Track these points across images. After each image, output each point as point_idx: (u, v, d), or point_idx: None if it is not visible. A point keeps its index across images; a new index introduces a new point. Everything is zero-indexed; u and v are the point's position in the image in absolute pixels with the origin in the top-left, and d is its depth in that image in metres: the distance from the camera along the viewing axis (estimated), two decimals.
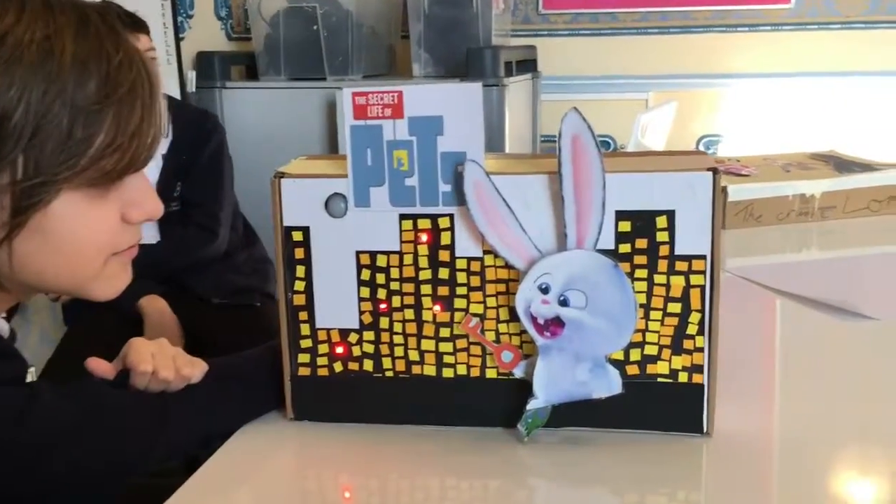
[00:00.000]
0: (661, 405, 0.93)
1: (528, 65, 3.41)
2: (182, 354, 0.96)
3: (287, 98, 3.09)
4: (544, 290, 0.90)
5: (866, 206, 1.96)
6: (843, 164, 2.05)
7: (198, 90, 3.06)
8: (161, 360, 0.94)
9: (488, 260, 0.93)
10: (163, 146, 2.10)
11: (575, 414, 0.93)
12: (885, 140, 3.41)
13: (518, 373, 0.94)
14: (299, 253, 0.93)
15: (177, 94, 2.91)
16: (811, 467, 0.90)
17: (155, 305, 1.99)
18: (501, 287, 0.93)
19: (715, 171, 0.87)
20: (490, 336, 0.94)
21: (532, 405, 0.93)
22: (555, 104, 3.55)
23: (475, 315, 0.94)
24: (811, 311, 1.31)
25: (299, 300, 0.96)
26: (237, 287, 2.14)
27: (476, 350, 0.95)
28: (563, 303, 0.89)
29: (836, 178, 1.94)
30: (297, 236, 0.93)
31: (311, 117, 3.03)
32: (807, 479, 0.88)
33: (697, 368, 0.92)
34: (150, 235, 2.12)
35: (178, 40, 2.94)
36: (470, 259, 0.93)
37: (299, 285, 0.96)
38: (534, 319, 0.90)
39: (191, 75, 3.03)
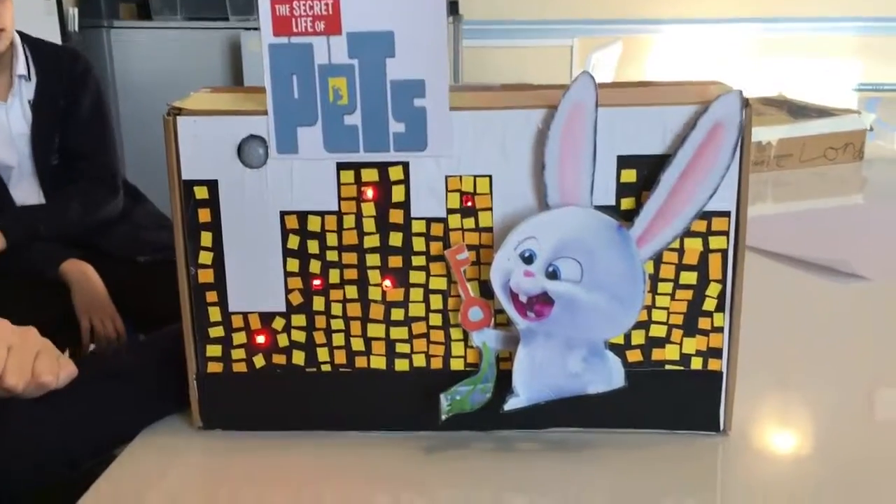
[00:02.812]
0: (669, 398, 0.77)
1: (448, 6, 3.19)
2: (48, 353, 0.73)
3: (184, 40, 2.81)
4: (528, 258, 0.70)
5: (823, 154, 1.84)
6: (796, 109, 1.92)
7: (81, 30, 2.73)
8: (15, 359, 0.70)
9: (453, 221, 0.72)
10: (27, 91, 1.80)
11: (563, 411, 0.76)
12: (816, 85, 3.34)
13: (479, 340, 0.74)
14: (204, 215, 0.72)
15: (56, 34, 2.57)
16: (845, 469, 0.74)
17: (81, 270, 1.76)
18: (471, 255, 0.72)
19: (745, 102, 0.68)
20: (453, 320, 0.74)
21: (512, 404, 0.74)
22: (477, 50, 3.35)
23: (438, 291, 0.74)
24: (804, 273, 1.16)
25: (206, 277, 0.75)
26: (159, 243, 1.89)
27: (438, 335, 0.76)
28: (552, 275, 0.70)
29: (792, 123, 1.81)
30: (201, 193, 0.71)
31: (212, 62, 2.75)
32: (840, 483, 0.72)
33: (714, 353, 0.75)
34: (30, 194, 1.85)
35: None
36: (430, 220, 0.73)
37: (205, 258, 0.74)
38: (514, 297, 0.71)
39: (72, 13, 2.70)
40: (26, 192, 1.86)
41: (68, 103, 1.85)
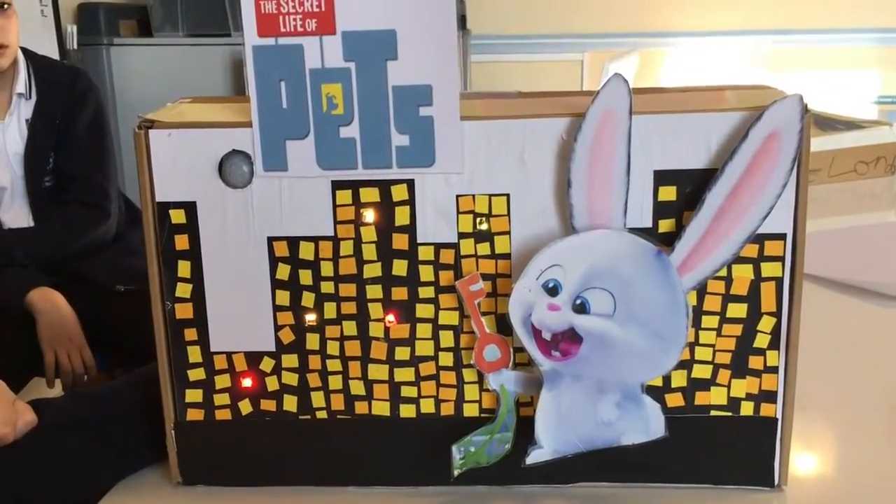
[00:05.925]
0: (715, 449, 0.68)
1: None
2: (3, 401, 0.65)
3: (186, 56, 2.74)
4: (552, 290, 0.61)
5: (853, 169, 1.74)
6: (823, 122, 1.82)
7: (80, 48, 2.66)
8: None
9: (466, 247, 0.63)
10: (26, 110, 1.74)
11: (593, 465, 0.67)
12: (834, 98, 3.25)
13: (496, 382, 0.64)
14: (181, 242, 0.64)
15: (54, 52, 2.51)
16: None
17: (49, 299, 1.68)
18: (486, 286, 0.63)
19: (804, 108, 0.58)
20: (466, 360, 0.65)
21: (534, 457, 0.64)
22: (486, 65, 3.27)
23: (449, 327, 0.64)
24: (851, 298, 1.06)
25: (184, 312, 0.66)
26: (142, 271, 1.80)
27: (448, 377, 0.66)
28: (580, 308, 0.61)
29: (821, 136, 1.72)
30: (178, 217, 0.63)
31: (214, 78, 2.68)
32: None
33: (768, 396, 0.65)
34: (19, 217, 1.77)
35: None
36: (439, 246, 0.64)
37: (183, 290, 0.66)
38: (536, 333, 0.62)
39: (71, 30, 2.63)
40: (16, 214, 1.79)
41: (65, 122, 1.79)
